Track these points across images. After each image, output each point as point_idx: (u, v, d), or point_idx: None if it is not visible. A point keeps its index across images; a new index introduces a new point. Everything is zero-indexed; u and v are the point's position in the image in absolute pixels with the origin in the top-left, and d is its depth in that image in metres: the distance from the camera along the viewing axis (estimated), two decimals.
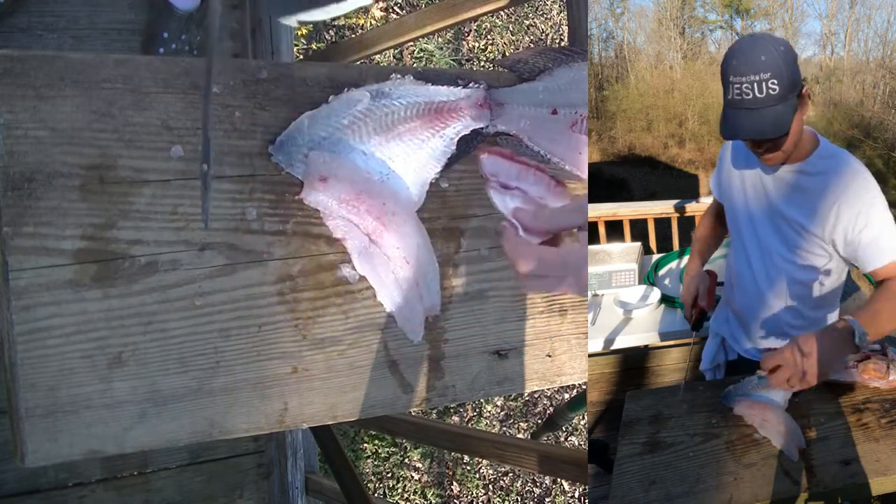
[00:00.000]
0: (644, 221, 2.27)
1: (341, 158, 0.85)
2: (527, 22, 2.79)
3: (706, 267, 1.40)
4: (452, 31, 2.63)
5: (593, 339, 1.79)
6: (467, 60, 2.66)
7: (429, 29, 1.41)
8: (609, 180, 5.99)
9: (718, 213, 1.41)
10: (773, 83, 1.02)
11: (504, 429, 2.60)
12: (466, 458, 2.51)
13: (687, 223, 2.31)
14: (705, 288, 1.33)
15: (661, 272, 2.06)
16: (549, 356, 0.99)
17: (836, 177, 1.12)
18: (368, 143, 0.86)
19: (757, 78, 1.02)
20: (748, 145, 1.16)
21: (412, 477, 2.42)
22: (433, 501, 2.44)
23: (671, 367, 1.77)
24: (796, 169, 1.15)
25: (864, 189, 1.11)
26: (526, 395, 2.62)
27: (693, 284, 1.33)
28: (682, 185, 6.38)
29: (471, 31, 2.67)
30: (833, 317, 1.29)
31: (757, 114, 1.03)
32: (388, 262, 0.87)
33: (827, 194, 1.12)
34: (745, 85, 1.03)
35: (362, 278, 0.87)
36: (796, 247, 1.18)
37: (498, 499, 2.56)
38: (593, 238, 2.21)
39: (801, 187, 1.15)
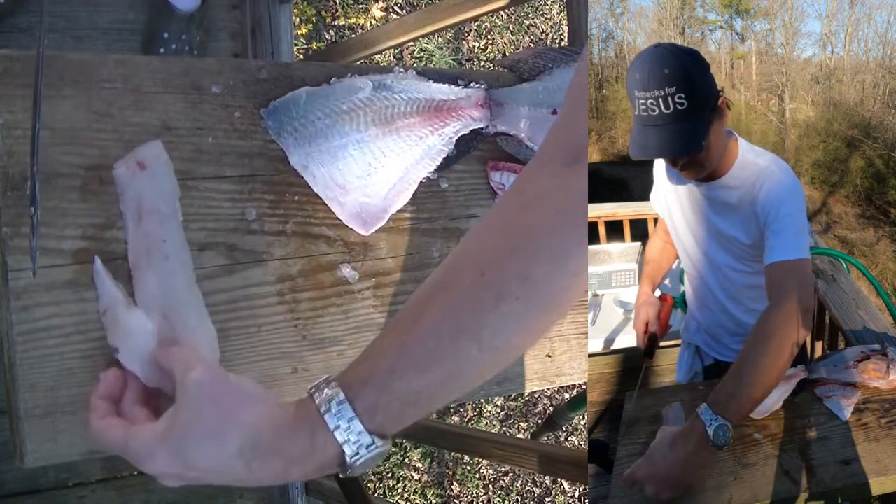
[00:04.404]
0: (644, 221, 2.26)
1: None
2: (527, 22, 2.79)
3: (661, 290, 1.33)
4: (452, 31, 2.63)
5: (593, 339, 1.79)
6: (467, 60, 2.65)
7: (429, 29, 1.41)
8: (609, 180, 5.99)
9: (668, 232, 1.33)
10: (679, 98, 0.93)
11: (504, 429, 2.60)
12: (466, 458, 2.51)
13: None
14: (656, 313, 1.25)
15: None
16: (549, 356, 0.99)
17: (756, 181, 1.05)
18: (365, 132, 0.86)
19: (662, 93, 0.93)
20: (668, 162, 1.10)
21: (412, 477, 2.42)
22: (433, 501, 2.44)
23: (671, 367, 1.77)
24: (720, 184, 1.08)
25: (775, 190, 1.04)
26: (526, 395, 2.62)
27: (644, 310, 1.26)
28: None
29: (471, 31, 2.67)
30: None
31: (665, 130, 0.95)
32: None
33: (748, 204, 1.06)
34: (650, 100, 0.94)
35: (362, 278, 0.87)
36: (743, 258, 1.13)
37: (498, 499, 2.56)
38: (593, 238, 2.21)
39: (729, 203, 1.09)
